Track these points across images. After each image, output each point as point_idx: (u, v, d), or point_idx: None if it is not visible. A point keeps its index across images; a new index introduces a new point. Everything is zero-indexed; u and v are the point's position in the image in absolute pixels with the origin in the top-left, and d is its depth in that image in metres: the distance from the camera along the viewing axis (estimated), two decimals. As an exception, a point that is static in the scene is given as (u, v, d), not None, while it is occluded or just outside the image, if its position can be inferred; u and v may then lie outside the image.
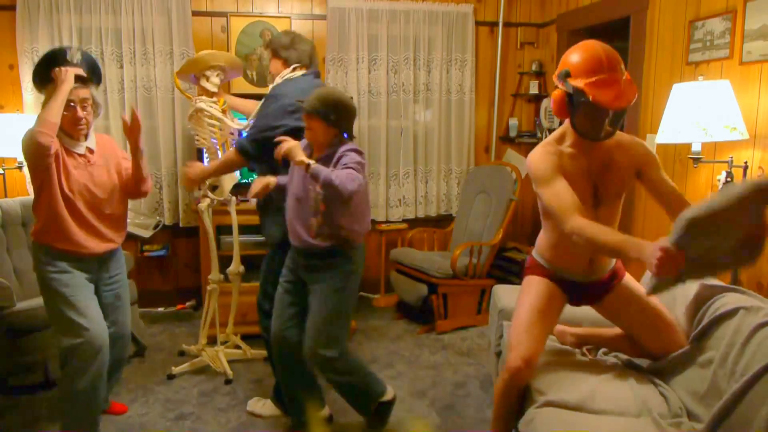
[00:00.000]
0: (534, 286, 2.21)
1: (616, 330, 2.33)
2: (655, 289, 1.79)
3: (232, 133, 3.17)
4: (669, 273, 1.67)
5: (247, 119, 3.15)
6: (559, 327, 2.46)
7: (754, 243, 1.72)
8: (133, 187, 2.57)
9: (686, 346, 2.12)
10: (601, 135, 1.98)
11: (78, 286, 2.42)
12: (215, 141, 3.11)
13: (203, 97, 3.09)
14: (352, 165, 2.28)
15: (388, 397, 2.62)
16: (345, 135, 2.44)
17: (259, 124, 2.66)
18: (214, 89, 3.10)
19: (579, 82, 1.92)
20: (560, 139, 2.11)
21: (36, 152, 2.25)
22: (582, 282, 2.21)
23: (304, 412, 2.62)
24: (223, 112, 3.12)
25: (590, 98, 1.89)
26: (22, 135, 2.33)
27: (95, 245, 2.45)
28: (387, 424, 2.63)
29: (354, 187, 2.23)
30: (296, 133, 2.50)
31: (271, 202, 2.66)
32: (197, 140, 3.16)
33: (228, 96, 3.25)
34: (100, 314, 2.47)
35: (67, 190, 2.36)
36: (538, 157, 2.07)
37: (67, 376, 2.42)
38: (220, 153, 3.14)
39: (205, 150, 3.20)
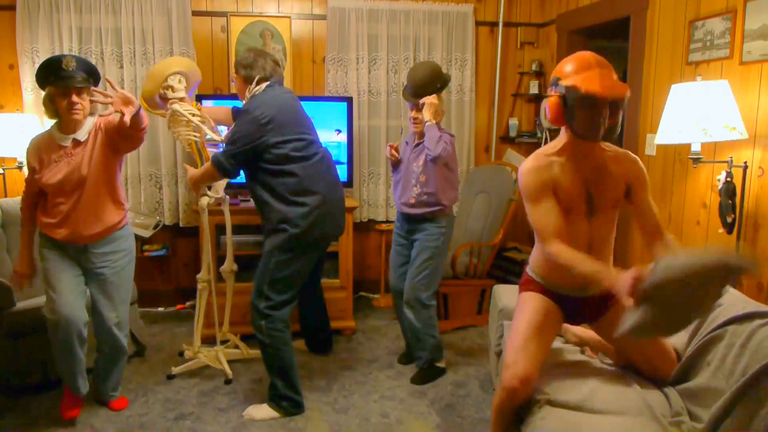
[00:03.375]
0: (529, 302, 2.18)
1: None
2: (632, 332, 1.74)
3: (216, 146, 3.18)
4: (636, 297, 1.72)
5: (225, 127, 3.19)
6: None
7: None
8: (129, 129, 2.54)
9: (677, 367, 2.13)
10: (599, 134, 1.98)
11: (54, 260, 2.66)
12: (197, 138, 3.12)
13: (175, 100, 3.09)
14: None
15: (441, 364, 3.29)
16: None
17: (236, 140, 2.71)
18: (182, 94, 3.09)
19: (570, 81, 1.96)
20: (553, 150, 2.11)
21: None
22: (578, 297, 2.18)
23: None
24: (199, 110, 3.12)
25: (582, 91, 1.91)
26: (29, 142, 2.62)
27: (66, 234, 2.62)
28: (425, 385, 3.17)
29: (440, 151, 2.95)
30: (276, 148, 2.69)
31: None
32: (180, 141, 3.17)
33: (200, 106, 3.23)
34: (70, 289, 2.64)
35: (46, 183, 2.59)
36: (527, 172, 2.09)
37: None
38: (202, 152, 3.17)
39: (190, 150, 3.21)
